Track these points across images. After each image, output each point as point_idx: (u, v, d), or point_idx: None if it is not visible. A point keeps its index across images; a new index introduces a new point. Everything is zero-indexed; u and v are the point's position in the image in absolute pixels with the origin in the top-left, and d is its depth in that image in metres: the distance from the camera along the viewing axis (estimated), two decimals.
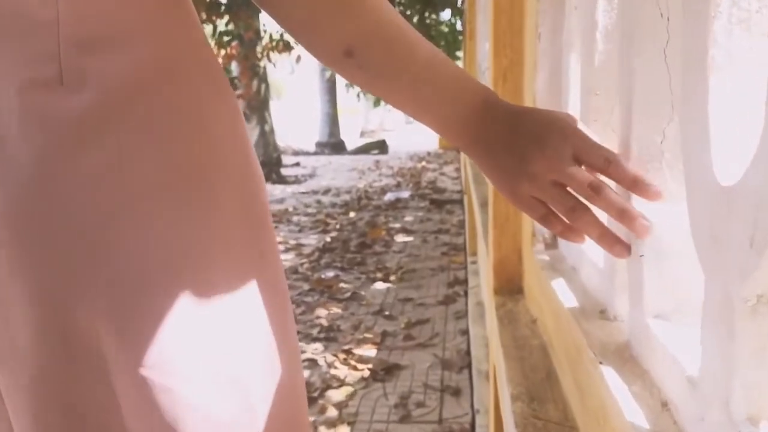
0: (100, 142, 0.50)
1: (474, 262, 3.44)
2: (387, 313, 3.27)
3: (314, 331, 3.05)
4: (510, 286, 1.20)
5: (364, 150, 12.55)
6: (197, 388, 0.53)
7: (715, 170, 0.39)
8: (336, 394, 2.42)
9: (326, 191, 7.38)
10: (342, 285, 3.76)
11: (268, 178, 8.30)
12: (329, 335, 3.01)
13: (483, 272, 2.18)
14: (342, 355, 2.75)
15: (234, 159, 0.58)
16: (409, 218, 5.65)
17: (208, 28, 7.27)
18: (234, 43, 7.85)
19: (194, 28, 0.58)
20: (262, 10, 0.61)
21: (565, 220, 0.59)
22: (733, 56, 0.40)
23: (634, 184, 0.54)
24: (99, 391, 0.52)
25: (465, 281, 3.64)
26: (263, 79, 8.76)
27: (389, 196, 6.73)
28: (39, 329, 0.51)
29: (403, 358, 2.71)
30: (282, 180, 8.51)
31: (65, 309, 0.50)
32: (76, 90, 0.49)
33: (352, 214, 5.90)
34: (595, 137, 0.59)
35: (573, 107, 0.92)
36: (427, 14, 10.62)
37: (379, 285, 3.75)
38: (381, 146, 12.67)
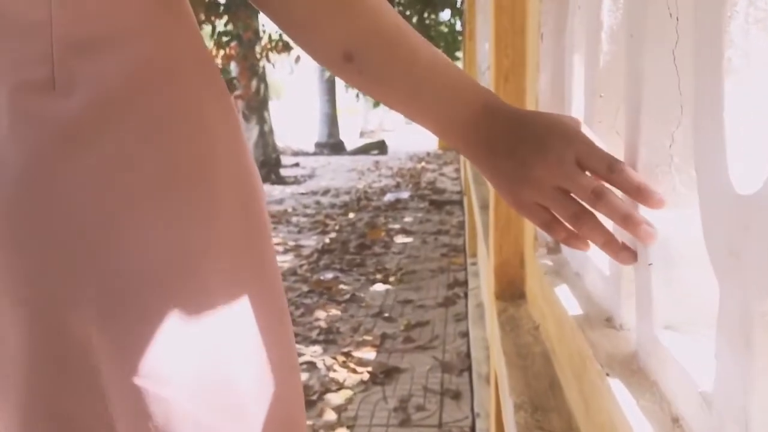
0: (92, 144, 0.49)
1: (474, 264, 3.43)
2: (386, 315, 3.26)
3: (313, 334, 3.03)
4: (511, 291, 1.18)
5: (363, 150, 12.55)
6: (192, 397, 0.51)
7: (732, 178, 0.38)
8: (335, 398, 2.41)
9: (325, 192, 7.37)
10: (341, 287, 3.74)
11: (267, 179, 8.30)
12: (328, 337, 2.99)
13: (483, 276, 2.16)
14: (341, 358, 2.74)
15: (231, 162, 0.57)
16: (408, 219, 5.64)
17: (207, 29, 7.26)
18: (233, 44, 7.83)
19: (190, 29, 0.57)
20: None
21: (568, 226, 0.58)
22: (751, 58, 0.38)
23: (637, 192, 0.53)
24: (90, 400, 0.51)
25: (465, 283, 3.63)
26: (262, 79, 8.75)
27: (389, 197, 6.71)
28: (29, 335, 0.50)
29: (402, 361, 2.70)
30: (281, 180, 8.51)
31: (56, 316, 0.49)
32: (68, 92, 0.48)
33: (351, 215, 5.89)
34: (600, 140, 0.58)
35: (576, 109, 0.90)
36: (426, 14, 10.61)
37: (379, 287, 3.73)
38: (380, 147, 12.67)
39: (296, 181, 8.59)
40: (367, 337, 2.96)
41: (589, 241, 0.58)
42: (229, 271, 0.54)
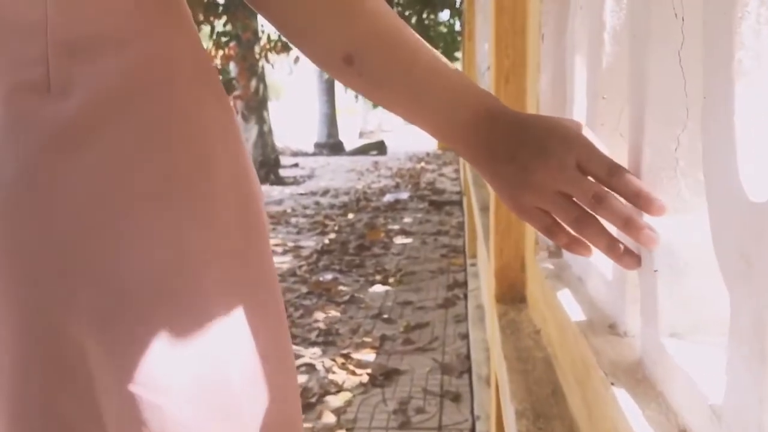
0: (89, 147, 0.48)
1: (473, 265, 3.42)
2: (386, 316, 3.25)
3: (312, 335, 3.02)
4: (512, 294, 1.17)
5: (362, 151, 12.55)
6: (188, 403, 0.51)
7: (744, 184, 0.36)
8: (334, 400, 2.39)
9: (325, 192, 7.36)
10: (340, 288, 3.73)
11: (266, 179, 8.30)
12: (327, 339, 2.98)
13: (484, 279, 2.15)
14: (340, 360, 2.72)
15: (229, 164, 0.56)
16: (408, 220, 5.63)
17: (205, 29, 7.25)
18: (232, 44, 7.83)
19: (188, 30, 0.56)
20: None
21: (570, 232, 0.57)
22: (762, 60, 0.37)
23: (636, 197, 0.52)
24: (83, 405, 0.50)
25: (465, 284, 3.62)
26: (261, 79, 8.74)
27: (388, 198, 6.71)
28: (21, 342, 0.49)
29: (402, 363, 2.69)
30: (280, 181, 8.50)
31: (51, 319, 0.48)
32: (64, 94, 0.48)
33: (350, 216, 5.88)
34: (603, 143, 0.57)
35: (578, 111, 0.89)
36: (425, 15, 10.61)
37: (378, 288, 3.72)
38: (380, 147, 12.67)
39: (295, 181, 8.58)
40: (367, 339, 2.95)
41: (592, 246, 0.57)
42: (227, 275, 0.54)
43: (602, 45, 0.74)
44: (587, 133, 0.57)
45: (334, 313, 3.34)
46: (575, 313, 0.74)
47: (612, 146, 0.75)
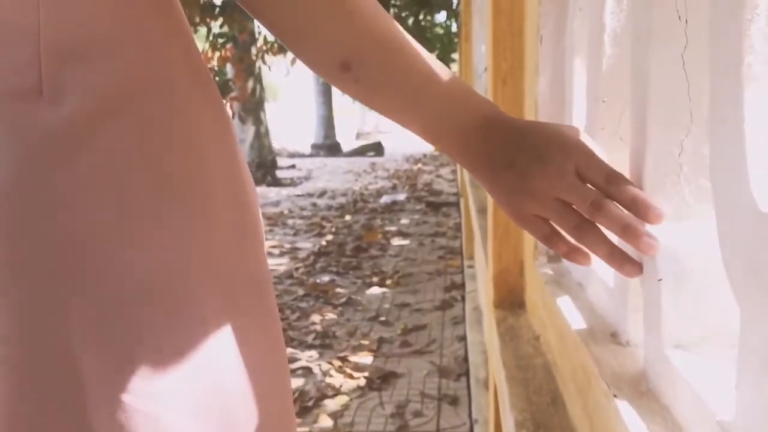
0: (81, 154, 0.47)
1: (471, 266, 3.40)
2: (383, 318, 3.23)
3: (309, 338, 3.00)
4: (511, 299, 1.15)
5: (359, 152, 12.55)
6: (183, 415, 0.49)
7: (754, 194, 0.35)
8: (331, 404, 2.38)
9: (322, 194, 7.35)
10: (337, 290, 3.71)
11: (263, 181, 8.29)
12: (324, 342, 2.96)
13: (482, 283, 2.13)
14: (337, 363, 2.71)
15: (225, 170, 0.55)
16: (405, 221, 5.62)
17: (202, 30, 7.24)
18: (229, 46, 7.81)
19: (183, 35, 0.55)
20: None
21: (570, 240, 0.56)
22: None
23: (633, 204, 0.51)
24: (73, 422, 0.48)
25: (462, 285, 3.61)
26: (258, 80, 8.73)
27: (385, 199, 6.70)
28: (5, 354, 0.47)
29: (399, 366, 2.67)
30: (277, 182, 8.49)
31: (39, 332, 0.47)
32: (56, 100, 0.47)
33: (347, 217, 5.87)
34: (602, 148, 0.56)
35: (578, 114, 0.88)
36: (422, 16, 10.59)
37: (375, 290, 3.71)
38: (377, 148, 12.67)
39: (292, 183, 8.57)
40: (364, 342, 2.94)
41: (592, 254, 0.56)
42: (222, 281, 0.53)
43: (602, 47, 0.73)
44: (586, 139, 0.57)
45: (330, 315, 3.32)
46: (575, 320, 0.73)
47: (612, 150, 0.74)
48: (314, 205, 6.64)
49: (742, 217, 0.36)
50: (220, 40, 7.68)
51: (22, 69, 0.46)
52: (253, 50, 8.25)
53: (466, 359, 2.68)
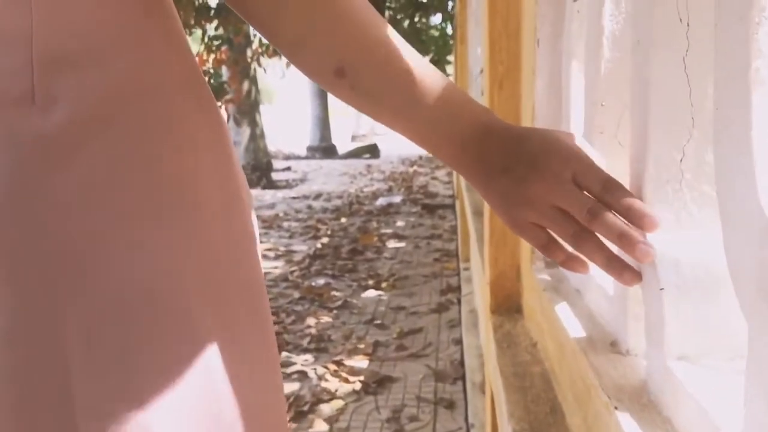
0: (74, 161, 0.46)
1: (467, 269, 3.39)
2: (379, 322, 3.22)
3: (304, 342, 2.99)
4: (508, 305, 1.14)
5: (355, 154, 12.54)
6: (175, 424, 0.48)
7: (763, 204, 0.34)
8: (326, 408, 2.37)
9: (317, 196, 7.33)
10: (333, 293, 3.70)
11: (258, 183, 8.27)
12: (320, 345, 2.95)
13: (478, 288, 2.12)
14: (333, 367, 2.69)
15: (219, 176, 0.54)
16: (400, 223, 5.61)
17: (197, 33, 7.22)
18: (224, 48, 7.79)
19: (177, 42, 0.55)
20: None
21: (568, 249, 0.56)
22: None
23: (627, 212, 0.50)
24: (59, 422, 0.47)
25: (458, 288, 3.59)
26: (253, 82, 8.72)
27: (381, 201, 6.68)
28: (4, 356, 0.46)
29: (395, 370, 2.66)
30: (272, 185, 8.47)
31: (32, 336, 0.46)
32: (49, 107, 0.46)
33: (343, 220, 5.85)
34: (600, 153, 0.56)
35: (575, 118, 0.87)
36: (417, 18, 10.59)
37: (371, 293, 3.70)
38: (372, 150, 12.67)
39: (288, 185, 8.56)
40: (360, 345, 2.92)
41: (590, 263, 0.55)
42: (215, 288, 0.52)
43: (600, 50, 0.71)
44: (583, 145, 0.56)
45: (326, 318, 3.31)
46: (574, 328, 0.71)
47: (611, 155, 0.73)
48: (310, 207, 6.62)
49: (750, 227, 0.35)
50: (216, 43, 7.66)
51: (14, 76, 0.46)
52: (249, 52, 8.24)
53: (462, 363, 2.66)
